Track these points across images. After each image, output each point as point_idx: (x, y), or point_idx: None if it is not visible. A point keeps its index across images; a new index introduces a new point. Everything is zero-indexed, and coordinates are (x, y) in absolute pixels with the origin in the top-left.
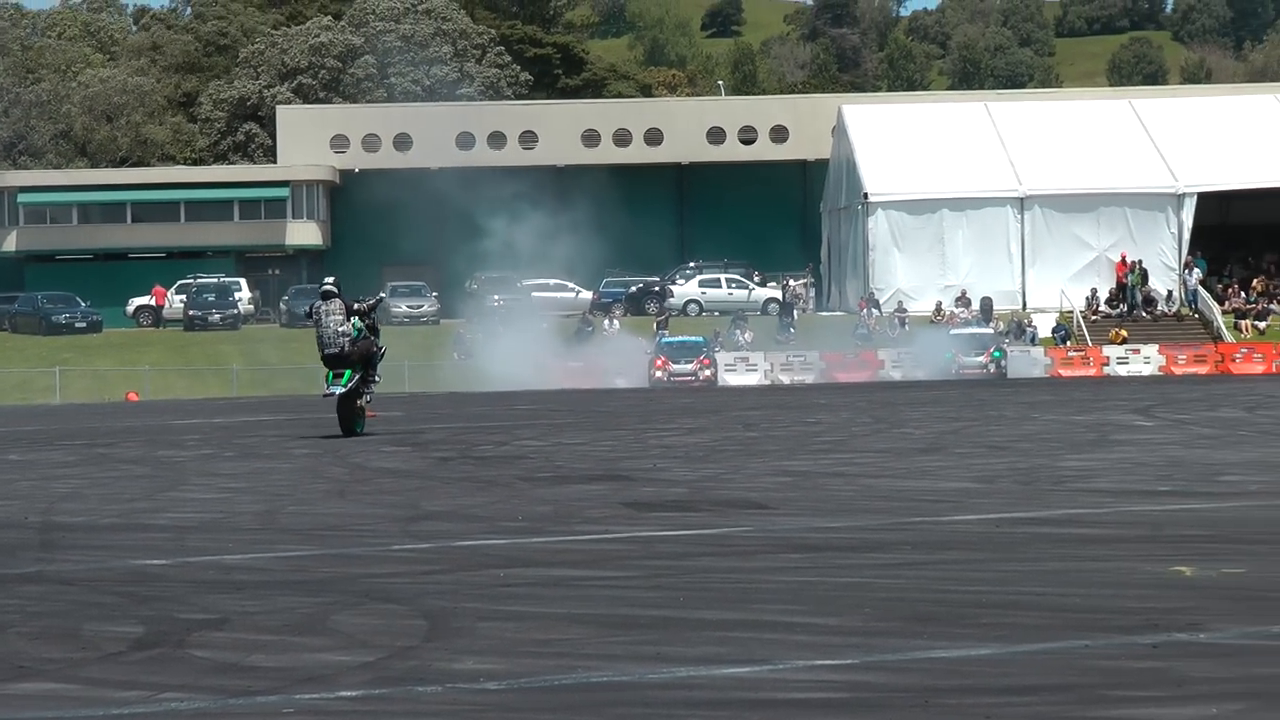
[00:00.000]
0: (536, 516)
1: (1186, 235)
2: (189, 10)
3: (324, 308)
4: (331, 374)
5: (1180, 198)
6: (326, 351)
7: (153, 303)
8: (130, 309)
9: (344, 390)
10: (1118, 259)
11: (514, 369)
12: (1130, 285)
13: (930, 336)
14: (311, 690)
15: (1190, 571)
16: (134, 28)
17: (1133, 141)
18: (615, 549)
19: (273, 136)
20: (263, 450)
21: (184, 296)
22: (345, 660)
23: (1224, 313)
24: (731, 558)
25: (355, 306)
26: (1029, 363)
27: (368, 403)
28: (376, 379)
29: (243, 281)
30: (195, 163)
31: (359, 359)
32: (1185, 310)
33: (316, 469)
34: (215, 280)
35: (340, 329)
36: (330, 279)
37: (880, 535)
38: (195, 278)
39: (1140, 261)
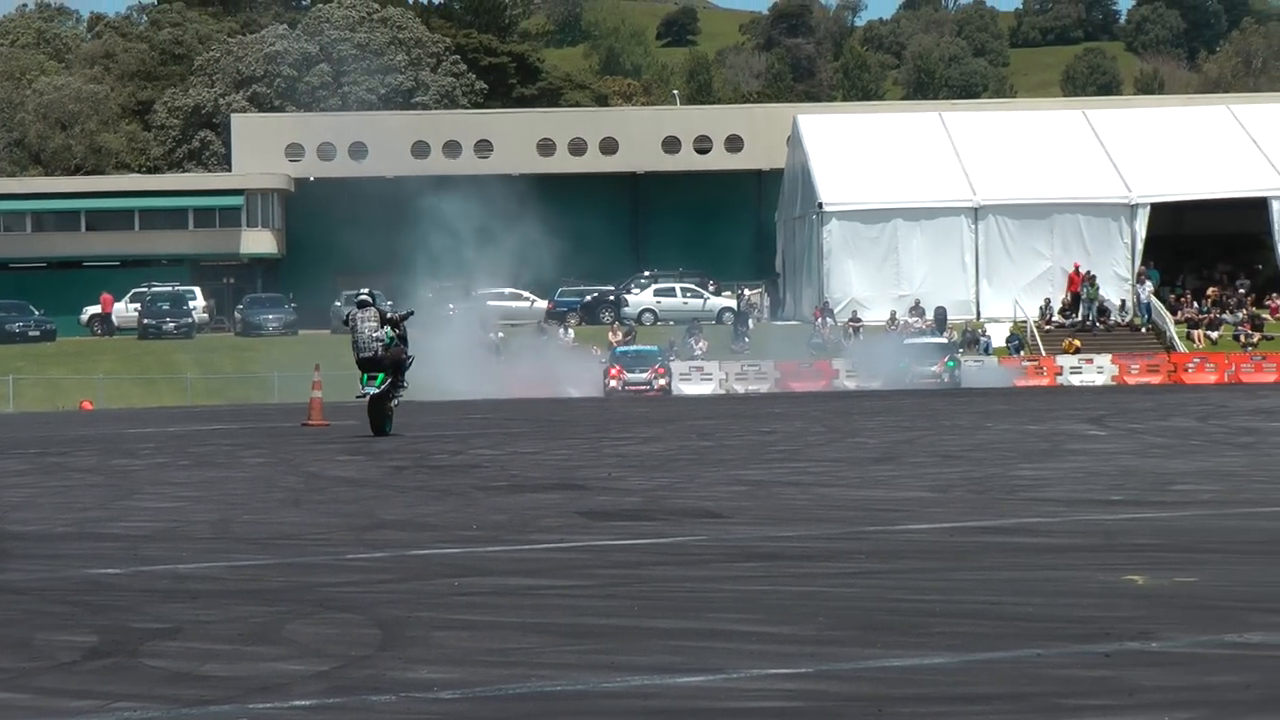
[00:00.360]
0: (491, 525)
1: (1140, 245)
2: (144, 19)
3: (360, 315)
4: (366, 376)
5: (1134, 208)
6: (362, 355)
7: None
8: (84, 317)
9: (378, 391)
10: (1071, 269)
11: (468, 378)
12: (1088, 299)
13: (884, 346)
14: (265, 700)
15: (1143, 580)
16: (88, 35)
17: (1086, 152)
18: (570, 558)
19: (227, 145)
20: (217, 459)
21: (139, 305)
22: (299, 669)
23: (1177, 323)
24: (686, 566)
25: (388, 316)
26: (984, 372)
27: (395, 405)
28: (405, 385)
29: (197, 290)
30: (150, 171)
31: (390, 364)
32: (1138, 320)
33: (271, 478)
34: (170, 289)
35: (375, 335)
36: (366, 289)
37: (834, 544)
38: (150, 286)
39: (1090, 272)
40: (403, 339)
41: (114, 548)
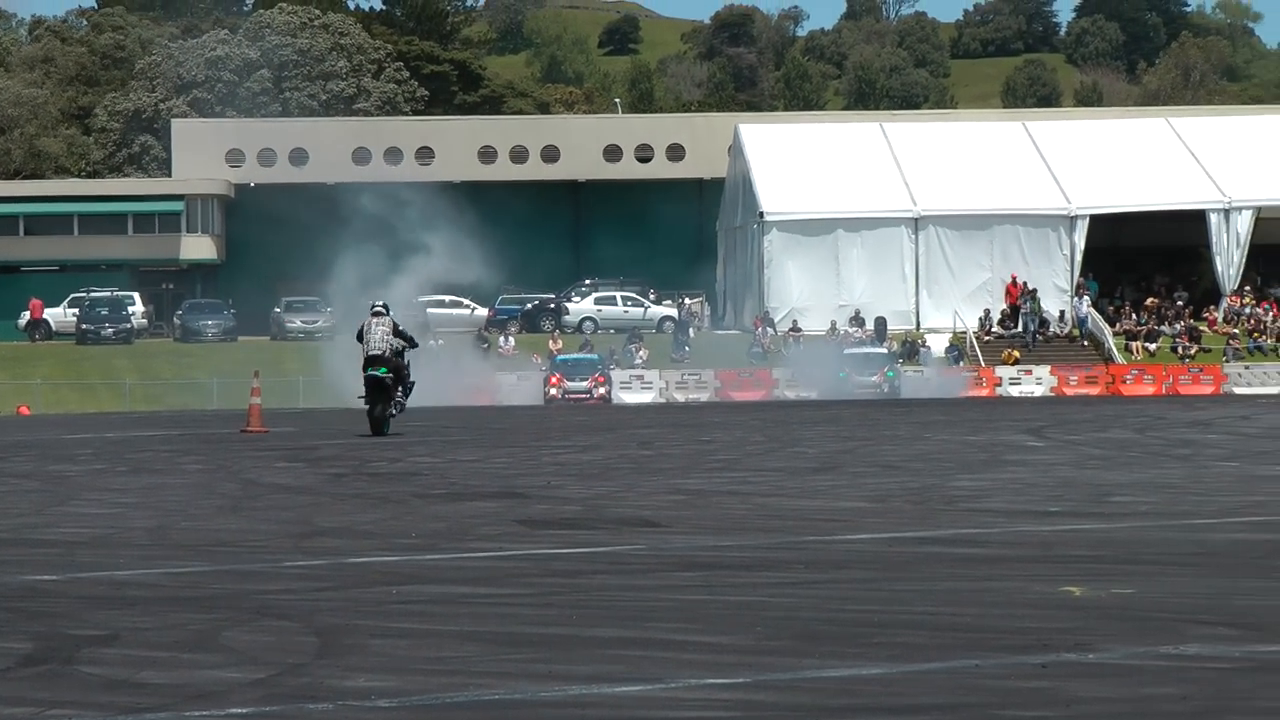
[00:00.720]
0: (430, 533)
1: (1079, 257)
2: (84, 23)
3: (373, 321)
4: (370, 367)
5: (1073, 219)
6: (370, 352)
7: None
8: (22, 322)
9: (380, 377)
10: (1009, 280)
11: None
12: (1029, 311)
13: (824, 356)
14: (202, 707)
15: (1080, 591)
16: (28, 39)
17: (1026, 163)
18: (509, 566)
19: (168, 149)
20: (155, 465)
21: (77, 310)
22: (236, 677)
23: (1115, 334)
24: (625, 576)
25: (400, 329)
26: (924, 382)
27: (393, 416)
28: (402, 402)
29: (136, 295)
30: (90, 175)
31: (394, 369)
32: (1077, 332)
33: (209, 484)
34: (108, 294)
35: (385, 339)
36: (381, 301)
37: (773, 554)
38: (88, 291)
39: (1031, 286)
40: (405, 348)
41: (50, 554)
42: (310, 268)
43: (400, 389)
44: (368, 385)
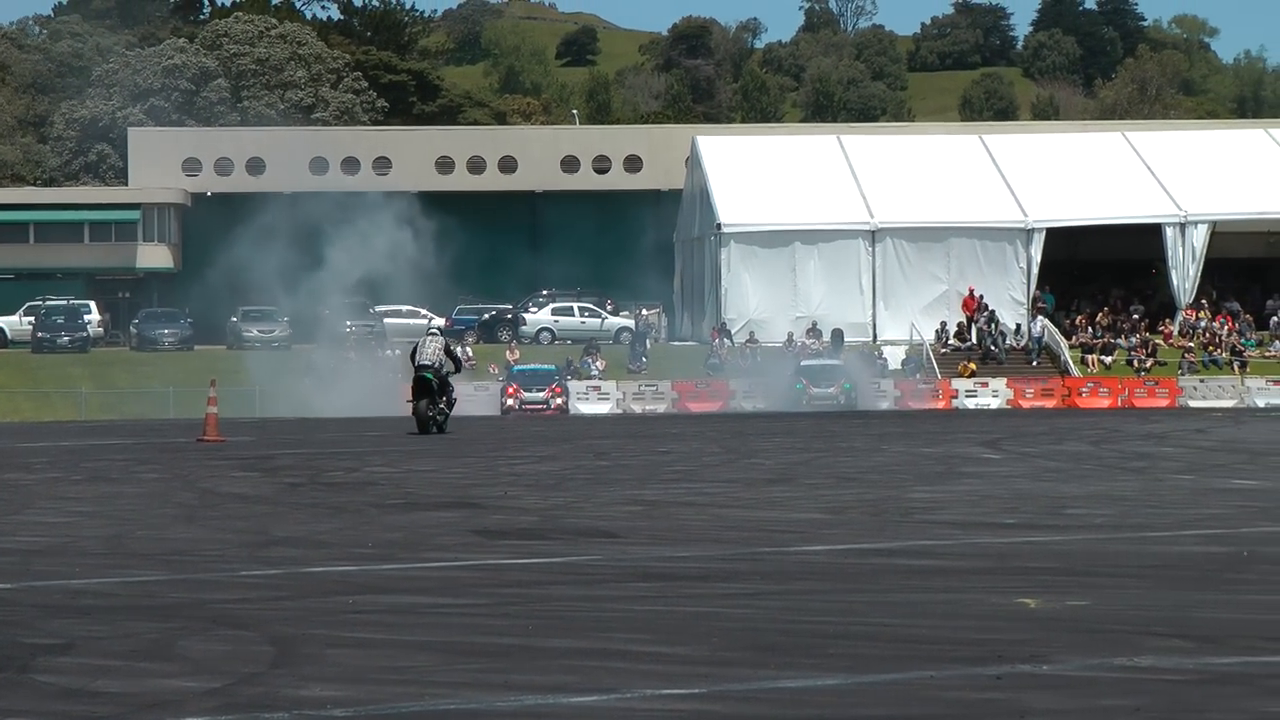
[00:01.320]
0: (386, 543)
1: (1035, 270)
2: (41, 30)
3: (427, 339)
4: (419, 374)
5: (1029, 233)
6: (421, 362)
7: None
8: None
9: (427, 379)
10: (966, 293)
11: (364, 395)
12: (989, 327)
13: (781, 367)
14: (157, 716)
15: (1034, 603)
16: None
17: (983, 176)
18: (465, 576)
19: (124, 158)
20: (111, 474)
21: (32, 318)
22: (191, 686)
23: (1071, 347)
24: (581, 586)
25: (450, 350)
26: (880, 394)
27: (440, 419)
28: (445, 410)
29: (92, 304)
30: (46, 184)
31: (439, 377)
32: (1033, 345)
33: (165, 493)
34: (65, 302)
35: (436, 353)
36: (436, 325)
37: (729, 565)
38: (44, 299)
39: (989, 305)
40: (445, 382)
41: (5, 562)
42: (267, 277)
43: (444, 398)
44: (415, 385)
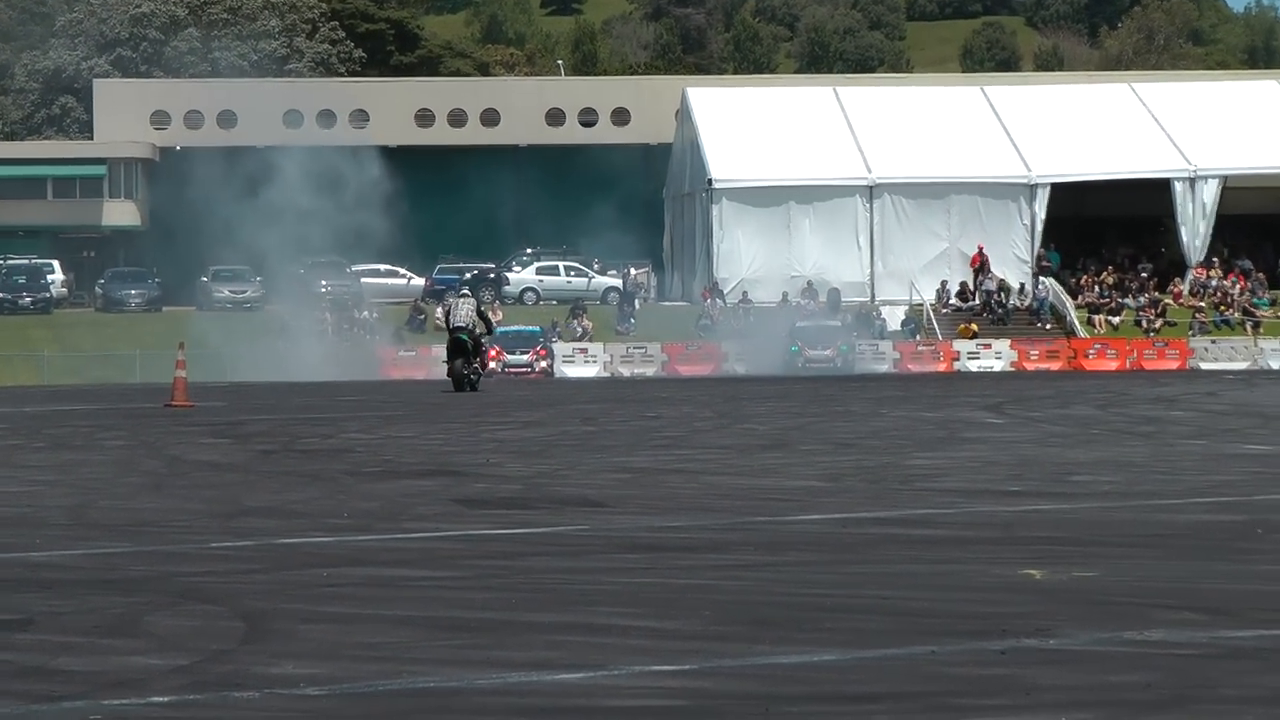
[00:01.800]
0: (363, 513)
1: (1040, 227)
2: None
3: (459, 301)
4: (455, 333)
5: (1033, 188)
6: (455, 324)
7: None
8: None
9: (462, 340)
10: (969, 250)
11: (341, 358)
12: (998, 289)
13: (775, 329)
14: (121, 695)
15: (1040, 575)
16: None
17: (985, 130)
18: (445, 548)
19: (89, 111)
20: (74, 441)
21: None
22: (158, 664)
23: (1077, 307)
24: (567, 558)
25: (482, 310)
26: (878, 357)
27: (474, 379)
28: (479, 369)
29: (56, 263)
30: (7, 137)
31: (473, 340)
32: (1037, 305)
33: (131, 461)
34: (26, 261)
35: (469, 315)
36: (468, 287)
37: (722, 535)
38: (5, 259)
39: (999, 278)
40: (478, 343)
41: None
42: (238, 235)
43: (478, 358)
44: (451, 346)
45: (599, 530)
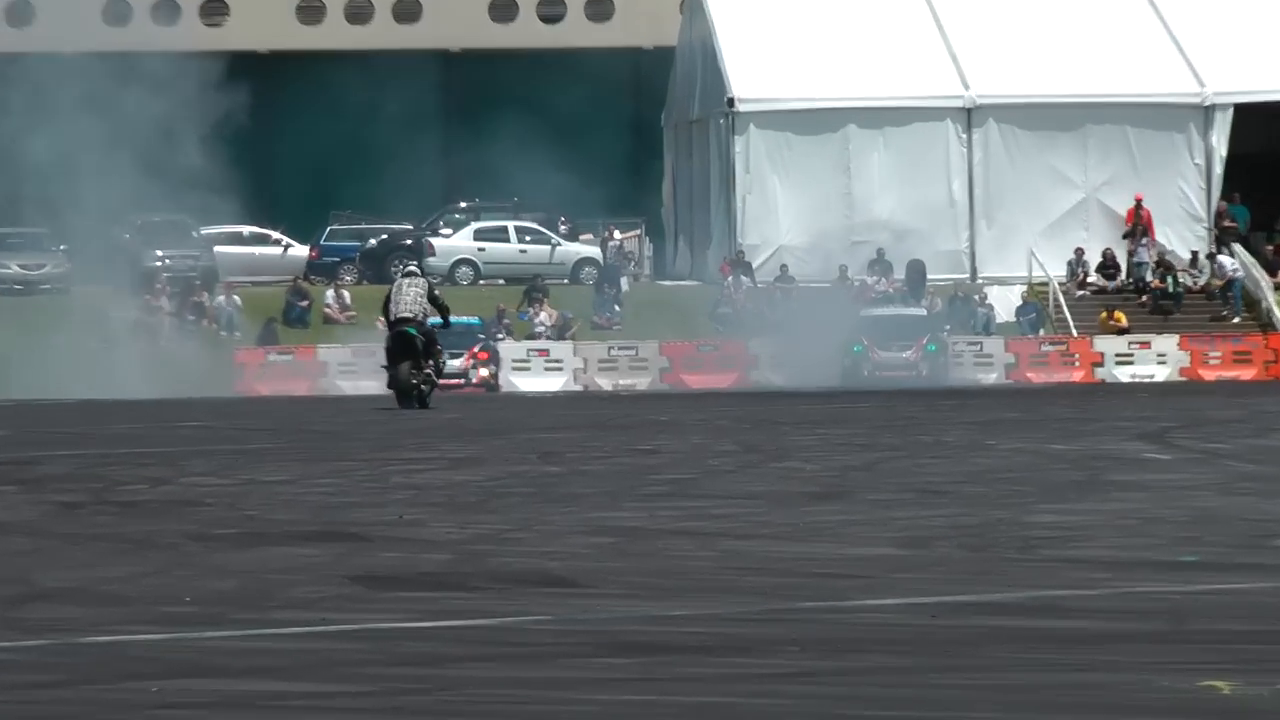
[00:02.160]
0: (214, 597)
1: (1219, 168)
2: None
3: (405, 282)
4: (399, 326)
5: (1209, 110)
6: (399, 314)
7: None
8: None
9: (410, 334)
10: (1117, 203)
11: (184, 364)
12: (1155, 264)
13: (829, 319)
14: None
15: (1228, 688)
16: None
17: (1137, 31)
18: (336, 649)
19: None
20: None
21: None
22: None
23: (1277, 288)
24: (518, 665)
25: (435, 295)
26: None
27: (425, 390)
28: (432, 376)
29: None
30: None
31: (424, 333)
32: (1217, 282)
33: None
34: None
35: (418, 301)
36: (415, 262)
37: (750, 630)
38: None
39: (1141, 201)
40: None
41: None
42: (33, 181)
43: (431, 360)
44: (394, 343)
45: (567, 622)
